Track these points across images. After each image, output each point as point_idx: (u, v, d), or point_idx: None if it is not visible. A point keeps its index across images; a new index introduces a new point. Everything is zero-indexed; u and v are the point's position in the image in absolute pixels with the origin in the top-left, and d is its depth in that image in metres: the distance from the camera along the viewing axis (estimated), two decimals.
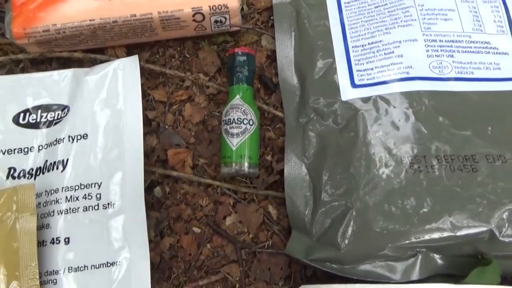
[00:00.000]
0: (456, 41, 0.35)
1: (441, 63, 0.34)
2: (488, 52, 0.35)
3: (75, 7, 0.35)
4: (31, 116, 0.34)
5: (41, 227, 0.31)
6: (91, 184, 0.32)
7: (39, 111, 0.35)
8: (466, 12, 0.36)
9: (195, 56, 0.40)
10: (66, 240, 0.30)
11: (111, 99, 0.34)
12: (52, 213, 0.31)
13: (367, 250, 0.30)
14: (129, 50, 0.39)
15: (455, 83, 0.33)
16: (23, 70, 0.38)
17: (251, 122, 0.34)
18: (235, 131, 0.34)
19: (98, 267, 0.30)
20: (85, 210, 0.31)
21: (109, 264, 0.30)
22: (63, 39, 0.36)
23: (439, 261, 0.30)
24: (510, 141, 0.31)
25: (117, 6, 0.35)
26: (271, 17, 0.40)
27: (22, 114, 0.35)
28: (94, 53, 0.38)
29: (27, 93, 0.35)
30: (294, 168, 0.34)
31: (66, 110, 0.34)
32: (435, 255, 0.30)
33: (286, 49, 0.38)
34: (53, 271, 0.29)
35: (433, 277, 0.30)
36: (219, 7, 0.36)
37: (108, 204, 0.31)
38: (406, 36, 0.35)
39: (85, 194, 0.31)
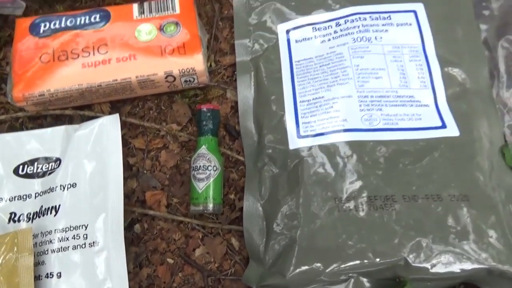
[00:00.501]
0: (385, 96, 0.41)
1: (371, 116, 0.40)
2: (412, 105, 0.41)
3: (66, 75, 0.41)
4: (29, 168, 0.41)
5: (37, 263, 0.37)
6: (79, 226, 0.38)
7: (36, 163, 0.41)
8: (395, 70, 0.43)
9: (170, 108, 0.46)
10: (58, 274, 0.36)
11: (96, 151, 0.40)
12: (46, 252, 0.37)
13: (307, 276, 0.36)
14: (113, 105, 0.46)
15: (382, 133, 0.40)
16: (22, 125, 0.45)
17: (215, 168, 0.41)
18: (201, 176, 0.40)
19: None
20: (74, 248, 0.37)
21: None
22: (56, 100, 0.42)
23: (367, 284, 0.36)
24: (423, 183, 0.37)
25: (100, 72, 0.42)
26: (235, 72, 0.47)
27: (21, 166, 0.41)
28: (82, 109, 0.44)
29: (26, 147, 0.41)
30: (251, 206, 0.40)
31: (58, 162, 0.41)
32: (363, 279, 0.36)
33: (246, 101, 0.45)
34: None
35: None
36: (188, 70, 0.43)
37: (93, 242, 0.37)
38: (343, 93, 0.41)
39: (74, 235, 0.37)
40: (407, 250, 0.35)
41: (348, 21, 0.45)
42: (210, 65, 0.47)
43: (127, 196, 0.42)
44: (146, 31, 0.43)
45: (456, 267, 0.35)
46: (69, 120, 0.44)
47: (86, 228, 0.38)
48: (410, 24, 0.44)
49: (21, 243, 0.35)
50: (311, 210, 0.37)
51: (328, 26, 0.46)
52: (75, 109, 0.44)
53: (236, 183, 0.43)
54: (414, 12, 0.45)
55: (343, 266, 0.35)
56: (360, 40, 0.44)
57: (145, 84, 0.43)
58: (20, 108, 0.44)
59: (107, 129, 0.41)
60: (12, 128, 0.44)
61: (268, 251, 0.38)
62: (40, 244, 0.37)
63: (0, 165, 0.40)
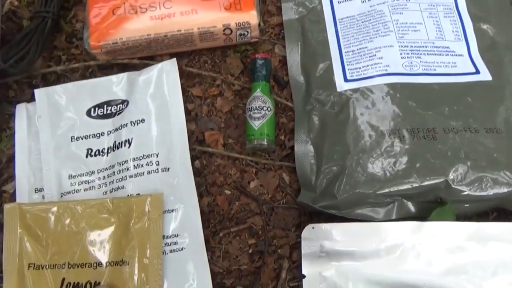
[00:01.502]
0: (423, 46, 0.46)
1: (411, 62, 0.45)
2: (448, 54, 0.46)
3: (136, 25, 0.46)
4: (99, 110, 0.45)
5: (119, 188, 0.41)
6: (151, 154, 0.42)
7: (105, 106, 0.46)
8: (431, 25, 0.47)
9: (223, 61, 0.51)
10: (138, 195, 0.41)
11: (158, 91, 0.45)
12: (125, 178, 0.42)
13: (356, 198, 0.40)
14: (172, 57, 0.50)
15: (422, 77, 0.44)
16: (91, 74, 0.50)
17: (269, 109, 0.45)
18: (256, 115, 0.45)
19: (163, 213, 0.40)
20: (148, 173, 0.42)
21: (169, 211, 0.41)
22: (126, 49, 0.47)
23: (410, 206, 0.40)
24: (459, 118, 0.41)
25: (167, 24, 0.47)
26: (282, 31, 0.52)
27: (92, 109, 0.45)
28: (146, 59, 0.49)
29: (96, 92, 0.46)
30: (302, 143, 0.45)
31: (126, 103, 0.45)
32: (407, 201, 0.40)
33: (294, 55, 0.49)
34: None
35: (406, 219, 0.40)
36: (243, 23, 0.47)
37: (165, 168, 0.42)
38: (385, 43, 0.46)
39: (147, 162, 0.42)
40: (448, 174, 0.39)
41: None
42: (260, 24, 0.52)
43: (187, 137, 0.47)
44: None
45: (491, 190, 0.39)
46: (133, 69, 0.49)
47: (157, 156, 0.42)
48: None
49: (154, 207, 0.39)
50: (359, 141, 0.41)
51: None
52: (140, 59, 0.49)
53: (285, 126, 0.47)
54: None
55: (388, 189, 0.40)
56: None
57: (204, 36, 0.48)
58: (92, 57, 0.49)
59: (166, 72, 0.46)
60: (83, 77, 0.49)
61: (319, 180, 0.42)
62: (118, 172, 0.42)
63: (73, 109, 0.45)
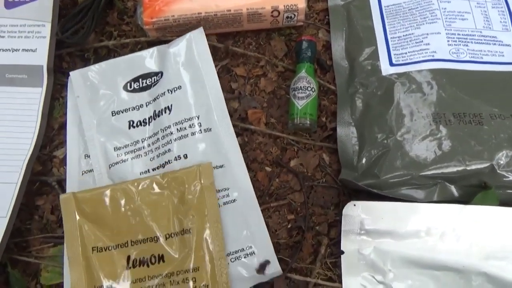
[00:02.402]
0: (470, 34, 0.46)
1: (458, 50, 0.45)
2: (495, 44, 0.46)
3: (188, 4, 0.48)
4: (135, 84, 0.47)
5: (165, 152, 0.43)
6: (192, 117, 0.44)
7: (140, 79, 0.47)
8: (479, 14, 0.47)
9: (268, 44, 0.52)
10: (185, 156, 0.43)
11: (189, 59, 0.46)
12: (170, 141, 0.43)
13: (399, 179, 0.40)
14: (218, 38, 0.52)
15: (469, 64, 0.44)
16: (141, 49, 0.51)
17: (313, 90, 0.46)
18: (301, 95, 0.46)
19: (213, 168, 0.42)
20: (192, 134, 0.43)
21: (217, 167, 0.42)
22: (176, 27, 0.49)
23: (453, 190, 0.40)
24: (506, 105, 0.41)
25: (218, 3, 0.48)
26: (326, 17, 0.52)
27: (129, 84, 0.47)
28: None
29: (130, 68, 0.47)
30: (345, 125, 0.45)
31: (160, 74, 0.47)
32: (450, 185, 0.40)
33: (338, 40, 0.50)
34: None
35: (448, 202, 0.40)
36: (291, 6, 0.48)
37: (207, 128, 0.44)
38: (432, 30, 0.46)
39: (189, 124, 0.44)
40: (493, 158, 0.39)
41: None
42: (305, 11, 0.53)
43: (230, 114, 0.48)
44: None
45: None
46: None
47: (198, 118, 0.44)
48: None
49: (204, 176, 0.41)
50: (404, 123, 0.42)
51: None
52: None
53: (327, 108, 0.48)
54: None
55: (431, 172, 0.40)
56: None
57: (252, 17, 0.49)
58: (142, 34, 0.51)
59: (195, 40, 0.47)
60: (132, 52, 0.51)
61: (361, 160, 0.43)
62: (162, 137, 0.44)
63: (110, 85, 0.46)
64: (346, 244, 0.40)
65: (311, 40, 0.48)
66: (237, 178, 0.43)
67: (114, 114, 0.46)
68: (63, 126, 0.48)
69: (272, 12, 0.49)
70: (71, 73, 0.47)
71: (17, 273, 0.42)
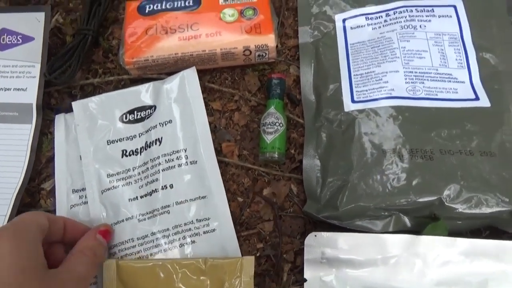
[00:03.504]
0: (427, 72, 0.49)
1: (415, 87, 0.48)
2: (450, 81, 0.49)
3: (166, 45, 0.52)
4: (130, 116, 0.51)
5: (153, 181, 0.47)
6: (180, 150, 0.47)
7: (135, 111, 0.51)
8: (436, 52, 0.51)
9: (242, 79, 0.56)
10: (171, 185, 0.46)
11: (182, 96, 0.50)
12: (158, 171, 0.47)
13: (356, 210, 0.44)
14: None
15: (424, 101, 0.47)
16: (124, 86, 0.55)
17: (281, 125, 0.49)
18: (269, 130, 0.49)
19: (195, 199, 0.46)
20: (179, 166, 0.47)
21: (200, 198, 0.46)
22: (155, 66, 0.53)
23: (407, 220, 0.43)
24: (456, 141, 0.45)
25: (192, 44, 0.52)
26: (297, 53, 0.56)
27: (124, 115, 0.51)
28: (173, 75, 0.54)
29: (126, 101, 0.51)
30: (310, 157, 0.49)
31: (153, 108, 0.50)
32: (404, 216, 0.44)
33: (307, 75, 0.54)
34: (166, 205, 0.46)
35: (402, 232, 0.43)
36: (262, 46, 0.52)
37: (193, 161, 0.47)
38: (391, 68, 0.50)
39: (177, 157, 0.47)
40: (442, 192, 0.42)
41: (396, 12, 0.54)
42: (277, 46, 0.56)
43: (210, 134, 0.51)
44: (229, 14, 0.53)
45: (482, 209, 0.42)
46: None
47: (185, 151, 0.47)
48: (450, 16, 0.52)
49: (245, 270, 0.42)
50: (362, 158, 0.45)
51: (379, 16, 0.54)
52: (167, 74, 0.54)
53: (296, 141, 0.52)
54: (454, 6, 0.53)
55: (386, 204, 0.43)
56: (407, 28, 0.52)
57: (226, 56, 0.53)
58: (125, 72, 0.55)
59: (187, 78, 0.51)
60: (116, 88, 0.55)
61: (323, 192, 0.46)
62: (151, 167, 0.47)
63: (107, 116, 0.50)
64: (308, 272, 0.43)
65: (281, 77, 0.51)
66: (217, 209, 0.46)
67: (109, 143, 0.50)
68: (50, 160, 0.52)
69: (244, 51, 0.52)
70: (73, 103, 0.51)
71: None
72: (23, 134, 0.51)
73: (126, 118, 0.51)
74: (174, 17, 0.53)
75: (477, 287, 0.41)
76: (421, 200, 0.42)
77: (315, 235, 0.43)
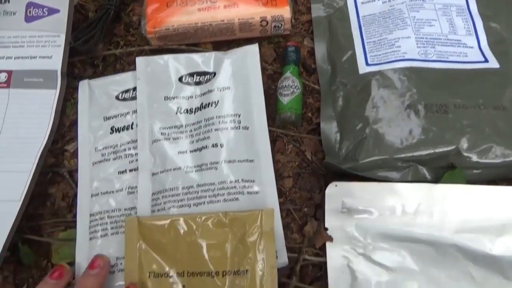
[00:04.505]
0: (437, 38, 0.52)
1: (426, 51, 0.51)
2: (459, 46, 0.51)
3: (186, 15, 0.54)
4: (190, 78, 0.52)
5: (205, 138, 0.48)
6: (235, 114, 0.49)
7: (195, 75, 0.53)
8: (445, 21, 0.53)
9: (259, 50, 0.58)
10: (221, 145, 0.47)
11: (242, 68, 0.52)
12: (210, 130, 0.48)
13: (375, 162, 0.45)
14: (214, 45, 0.58)
15: (436, 63, 0.50)
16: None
17: (297, 88, 0.51)
18: (286, 92, 0.51)
19: (242, 161, 0.47)
20: (232, 128, 0.48)
21: (249, 160, 0.47)
22: (176, 36, 0.55)
23: (425, 171, 0.45)
24: (468, 97, 0.47)
25: (212, 15, 0.54)
26: (311, 27, 0.59)
27: (184, 77, 0.52)
28: (192, 46, 0.57)
29: (188, 64, 0.53)
30: (328, 118, 0.50)
31: (213, 74, 0.52)
32: (421, 167, 0.45)
33: (321, 46, 0.56)
34: (215, 162, 0.47)
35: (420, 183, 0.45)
36: (278, 16, 0.55)
37: (245, 126, 0.49)
38: (403, 35, 0.52)
39: (231, 120, 0.49)
40: (459, 142, 0.44)
41: None
42: (291, 20, 0.59)
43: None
44: None
45: (498, 159, 0.44)
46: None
47: (239, 116, 0.49)
48: None
49: (265, 221, 0.42)
50: (379, 114, 0.47)
51: None
52: (187, 45, 0.56)
53: (312, 105, 0.53)
54: None
55: (404, 155, 0.45)
56: (416, 0, 0.55)
57: (244, 27, 0.55)
58: (146, 43, 0.57)
59: (249, 53, 0.52)
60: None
61: (342, 148, 0.48)
62: (204, 126, 0.49)
63: (167, 74, 0.52)
64: (329, 221, 0.44)
65: (296, 45, 0.54)
66: (263, 174, 0.47)
67: (166, 99, 0.51)
68: (73, 124, 0.53)
69: (261, 22, 0.55)
70: (137, 58, 0.53)
71: (26, 248, 0.46)
72: (48, 98, 0.53)
73: (185, 79, 0.52)
74: None
75: (495, 233, 0.42)
76: (438, 150, 0.44)
77: (336, 185, 0.45)
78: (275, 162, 0.50)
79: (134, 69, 0.54)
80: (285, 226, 0.47)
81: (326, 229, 0.44)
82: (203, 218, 0.42)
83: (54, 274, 0.41)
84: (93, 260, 0.43)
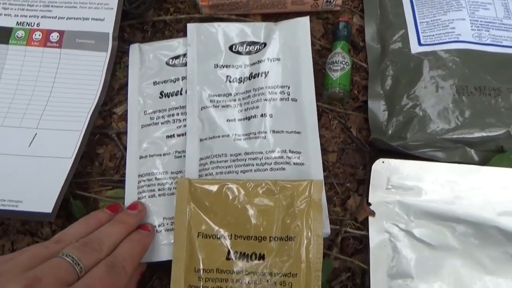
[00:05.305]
0: (492, 22, 0.51)
1: (480, 34, 0.50)
2: None
3: None
4: (239, 47, 0.53)
5: (254, 108, 0.49)
6: (284, 86, 0.49)
7: (245, 44, 0.53)
8: (500, 5, 0.52)
9: None
10: (270, 115, 0.48)
11: (292, 40, 0.52)
12: (260, 100, 0.49)
13: (423, 141, 0.45)
14: (263, 17, 0.58)
15: (490, 47, 0.49)
16: None
17: (347, 64, 0.51)
18: (336, 68, 0.51)
19: (290, 133, 0.47)
20: (280, 100, 0.49)
21: (296, 132, 0.48)
22: (227, 5, 0.55)
23: (473, 153, 0.45)
24: None
25: None
26: (360, 4, 0.58)
27: (234, 45, 0.53)
28: (242, 16, 0.57)
29: (240, 33, 0.53)
30: (375, 96, 0.51)
31: (264, 44, 0.52)
32: (469, 149, 0.45)
33: (371, 24, 0.56)
34: (263, 131, 0.48)
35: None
36: None
37: (294, 98, 0.49)
38: (457, 16, 0.52)
39: (280, 91, 0.49)
40: (510, 126, 0.44)
41: None
42: None
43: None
44: None
45: None
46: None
47: (288, 88, 0.49)
48: None
49: (314, 191, 0.42)
50: (430, 94, 0.47)
51: None
52: (237, 16, 0.57)
53: (359, 83, 0.54)
54: None
55: (453, 136, 0.45)
56: None
57: (295, 0, 0.55)
58: (196, 11, 0.57)
59: (300, 25, 0.52)
60: (185, 26, 0.57)
61: (389, 126, 0.48)
62: (254, 95, 0.50)
63: (219, 42, 0.53)
64: (373, 197, 0.45)
65: (348, 21, 0.54)
66: (309, 146, 0.47)
67: (215, 67, 0.52)
68: (122, 87, 0.54)
69: None
70: (188, 25, 0.53)
71: (79, 203, 0.48)
72: (99, 61, 0.54)
73: (235, 48, 0.53)
74: None
75: None
76: (488, 133, 0.44)
77: (383, 161, 0.45)
78: (320, 136, 0.51)
79: (183, 36, 0.55)
80: (328, 200, 0.48)
81: (369, 204, 0.45)
82: (253, 184, 0.44)
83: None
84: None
